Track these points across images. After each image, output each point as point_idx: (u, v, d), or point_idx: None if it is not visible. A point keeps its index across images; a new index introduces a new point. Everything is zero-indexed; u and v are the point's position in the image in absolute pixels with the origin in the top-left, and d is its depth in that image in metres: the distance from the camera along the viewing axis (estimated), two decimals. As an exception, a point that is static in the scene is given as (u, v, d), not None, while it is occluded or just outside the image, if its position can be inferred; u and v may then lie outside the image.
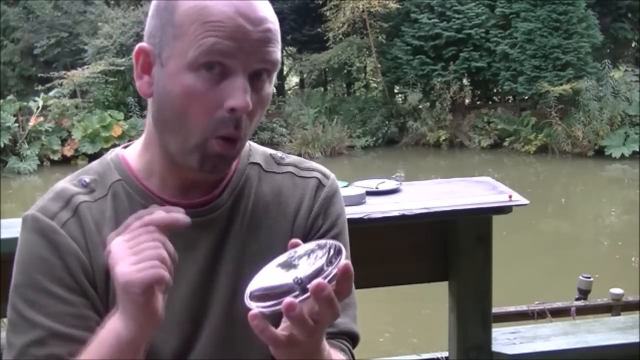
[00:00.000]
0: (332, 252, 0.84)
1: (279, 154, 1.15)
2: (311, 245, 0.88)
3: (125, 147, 1.10)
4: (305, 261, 0.85)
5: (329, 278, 0.79)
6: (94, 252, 0.99)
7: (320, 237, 1.08)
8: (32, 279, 0.97)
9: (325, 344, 0.92)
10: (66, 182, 1.05)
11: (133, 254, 0.86)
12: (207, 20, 0.92)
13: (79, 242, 0.99)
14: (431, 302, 3.73)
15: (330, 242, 0.86)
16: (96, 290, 0.99)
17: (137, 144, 1.08)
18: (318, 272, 0.81)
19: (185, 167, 0.99)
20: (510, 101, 18.43)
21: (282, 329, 0.85)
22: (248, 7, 0.93)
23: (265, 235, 1.06)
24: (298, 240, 0.88)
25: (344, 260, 0.81)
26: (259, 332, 0.82)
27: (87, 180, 1.04)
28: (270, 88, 0.99)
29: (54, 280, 0.97)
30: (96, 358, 0.90)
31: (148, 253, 0.86)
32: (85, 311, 0.98)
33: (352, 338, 1.10)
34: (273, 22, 0.97)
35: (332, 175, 1.14)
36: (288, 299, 0.78)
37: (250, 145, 1.13)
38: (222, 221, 1.04)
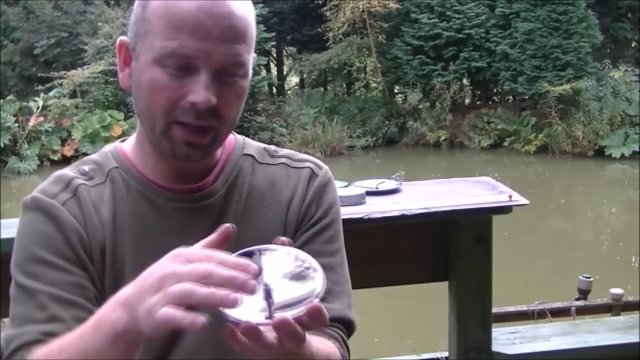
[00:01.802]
0: (321, 284, 0.79)
1: (272, 147, 1.18)
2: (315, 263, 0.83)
3: (123, 141, 1.14)
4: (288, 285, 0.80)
5: (296, 315, 0.76)
6: (92, 231, 1.02)
7: (313, 225, 1.10)
8: (32, 253, 0.99)
9: (312, 342, 0.88)
10: (65, 170, 1.09)
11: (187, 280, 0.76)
12: (171, 18, 0.94)
13: (79, 220, 1.02)
14: (431, 302, 3.73)
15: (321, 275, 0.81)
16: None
17: (133, 137, 1.12)
18: (290, 304, 0.77)
19: (164, 155, 1.02)
20: (510, 101, 18.41)
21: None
22: (212, 2, 0.95)
23: (259, 222, 1.09)
24: (284, 238, 0.86)
25: (315, 301, 0.77)
26: (234, 342, 0.78)
27: (86, 169, 1.08)
28: (244, 82, 1.00)
29: (54, 252, 0.99)
30: (86, 342, 0.84)
31: (201, 295, 0.75)
32: (85, 282, 0.99)
33: (346, 326, 1.09)
34: (240, 17, 0.96)
35: (325, 166, 1.16)
36: (250, 322, 0.74)
37: (244, 139, 1.17)
38: (216, 208, 1.07)
